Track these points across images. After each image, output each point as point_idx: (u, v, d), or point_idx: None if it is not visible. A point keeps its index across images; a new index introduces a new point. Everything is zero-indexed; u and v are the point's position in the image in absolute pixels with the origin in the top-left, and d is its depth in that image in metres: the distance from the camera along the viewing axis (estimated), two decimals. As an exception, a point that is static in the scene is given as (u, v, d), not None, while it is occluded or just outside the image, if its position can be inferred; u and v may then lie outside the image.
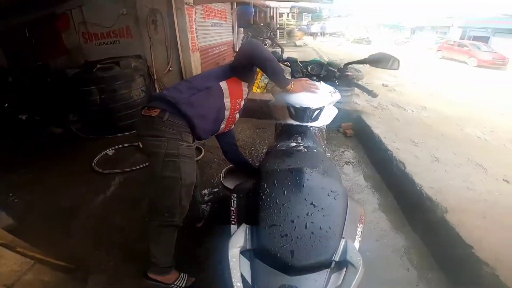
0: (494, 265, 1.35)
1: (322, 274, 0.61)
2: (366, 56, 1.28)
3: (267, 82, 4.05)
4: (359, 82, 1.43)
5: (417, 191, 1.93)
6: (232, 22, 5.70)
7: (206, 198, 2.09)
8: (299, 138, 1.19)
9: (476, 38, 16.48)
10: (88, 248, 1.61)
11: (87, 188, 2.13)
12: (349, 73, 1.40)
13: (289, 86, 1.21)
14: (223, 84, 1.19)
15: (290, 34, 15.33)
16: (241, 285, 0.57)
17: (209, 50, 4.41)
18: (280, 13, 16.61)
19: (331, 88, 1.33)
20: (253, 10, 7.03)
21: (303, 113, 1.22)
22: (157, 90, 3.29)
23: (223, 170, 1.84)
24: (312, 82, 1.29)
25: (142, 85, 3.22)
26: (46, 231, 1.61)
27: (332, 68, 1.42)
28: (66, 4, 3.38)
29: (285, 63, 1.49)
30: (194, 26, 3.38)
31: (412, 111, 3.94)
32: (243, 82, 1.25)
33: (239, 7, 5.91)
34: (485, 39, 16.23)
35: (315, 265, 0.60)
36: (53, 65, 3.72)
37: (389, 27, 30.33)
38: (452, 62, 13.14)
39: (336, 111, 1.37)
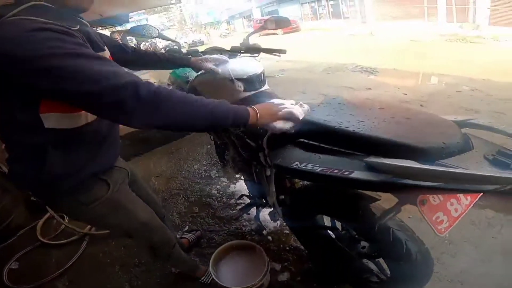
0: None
1: None
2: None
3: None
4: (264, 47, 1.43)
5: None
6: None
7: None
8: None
9: (271, 12, 21.16)
10: None
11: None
12: (254, 43, 1.44)
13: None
14: None
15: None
16: None
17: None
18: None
19: (252, 59, 1.38)
20: None
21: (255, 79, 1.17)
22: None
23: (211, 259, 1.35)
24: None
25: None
26: None
27: (233, 47, 1.46)
28: None
29: (189, 55, 1.47)
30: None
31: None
32: None
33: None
34: (276, 12, 20.99)
35: None
36: None
37: (209, 24, 33.82)
38: (268, 36, 16.54)
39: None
